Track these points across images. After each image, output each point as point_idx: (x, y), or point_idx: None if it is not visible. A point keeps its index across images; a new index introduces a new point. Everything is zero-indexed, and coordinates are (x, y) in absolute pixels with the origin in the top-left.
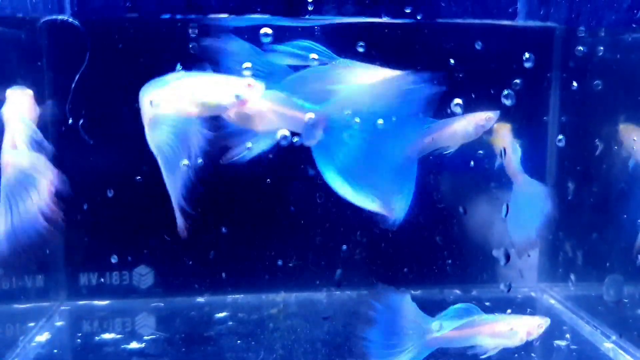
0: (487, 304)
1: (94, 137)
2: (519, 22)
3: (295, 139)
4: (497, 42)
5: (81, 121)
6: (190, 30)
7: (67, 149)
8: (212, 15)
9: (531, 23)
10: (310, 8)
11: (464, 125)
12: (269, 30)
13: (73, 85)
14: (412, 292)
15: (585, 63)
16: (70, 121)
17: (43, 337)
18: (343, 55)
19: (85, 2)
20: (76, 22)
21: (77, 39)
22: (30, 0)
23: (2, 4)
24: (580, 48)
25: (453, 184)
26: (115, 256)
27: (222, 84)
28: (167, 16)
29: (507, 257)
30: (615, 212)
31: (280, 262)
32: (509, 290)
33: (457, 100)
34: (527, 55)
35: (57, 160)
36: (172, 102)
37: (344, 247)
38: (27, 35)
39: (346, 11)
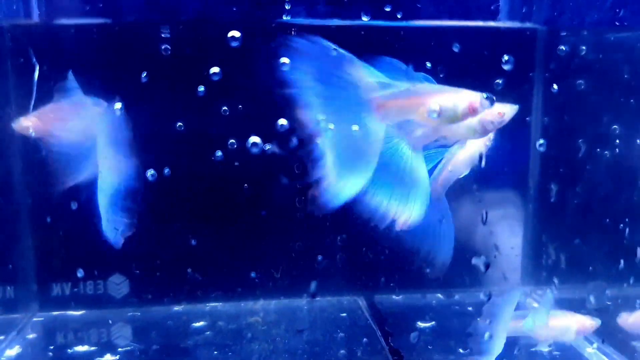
0: (470, 308)
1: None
2: (500, 22)
3: (268, 147)
4: (478, 43)
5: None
6: (162, 32)
7: (35, 155)
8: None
9: (512, 24)
10: (287, 7)
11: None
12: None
13: (34, 92)
14: (395, 297)
15: (568, 63)
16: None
17: (13, 351)
18: None
19: (52, 4)
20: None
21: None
22: None
23: None
24: (563, 48)
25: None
26: (87, 266)
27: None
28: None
29: (487, 266)
30: (599, 215)
31: (255, 272)
32: (489, 299)
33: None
34: (506, 57)
35: (26, 167)
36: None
37: (321, 256)
38: None
39: (318, 12)
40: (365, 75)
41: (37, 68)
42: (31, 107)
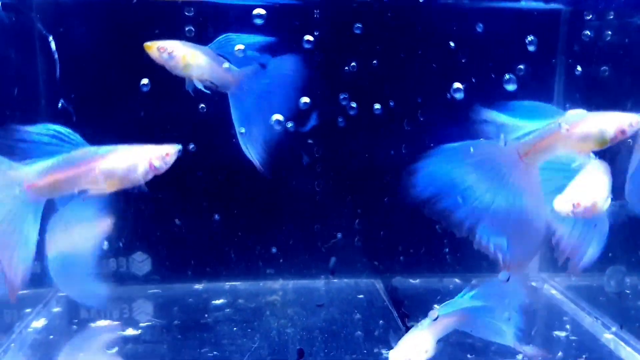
0: None
1: (88, 122)
2: (523, 3)
3: (290, 124)
4: (500, 25)
5: (60, 102)
6: (185, 11)
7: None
8: None
9: (535, 5)
10: None
11: (602, 127)
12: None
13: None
14: (412, 280)
15: (592, 46)
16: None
17: (39, 323)
18: None
19: None
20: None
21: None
22: None
23: None
24: (587, 32)
25: None
26: (112, 243)
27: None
28: None
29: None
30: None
31: (274, 249)
32: (508, 279)
33: (457, 85)
34: (530, 38)
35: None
36: None
37: (340, 235)
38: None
39: None
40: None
41: (51, 39)
42: (57, 75)
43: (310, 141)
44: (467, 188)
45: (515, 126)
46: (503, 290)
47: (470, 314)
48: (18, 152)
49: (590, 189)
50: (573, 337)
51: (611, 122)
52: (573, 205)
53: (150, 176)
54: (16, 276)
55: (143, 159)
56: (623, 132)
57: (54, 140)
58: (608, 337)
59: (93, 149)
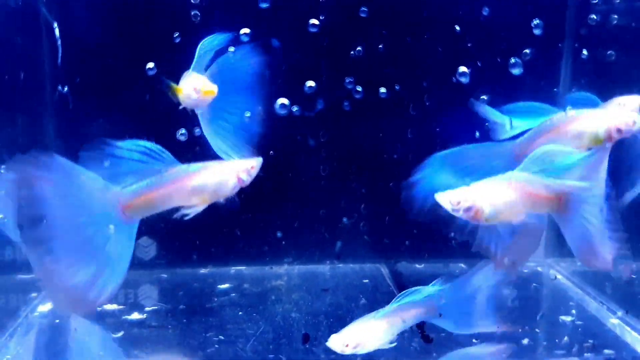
0: None
1: (96, 110)
2: None
3: (295, 108)
4: (506, 9)
5: (65, 88)
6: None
7: (67, 122)
8: None
9: None
10: None
11: (597, 125)
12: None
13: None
14: (417, 265)
15: (599, 31)
16: (65, 89)
17: (45, 308)
18: None
19: None
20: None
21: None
22: None
23: None
24: (594, 16)
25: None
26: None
27: None
28: None
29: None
30: (625, 187)
31: (279, 234)
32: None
33: (463, 69)
34: (536, 21)
35: (57, 134)
36: None
37: (347, 220)
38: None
39: None
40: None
41: (56, 25)
42: (58, 62)
43: (315, 126)
44: None
45: (507, 123)
46: (477, 280)
47: (438, 304)
48: (108, 167)
49: (484, 192)
50: (579, 322)
51: (606, 121)
52: (451, 202)
53: (237, 189)
54: (101, 294)
55: (231, 174)
56: (619, 130)
57: (144, 157)
58: (614, 322)
59: (184, 167)
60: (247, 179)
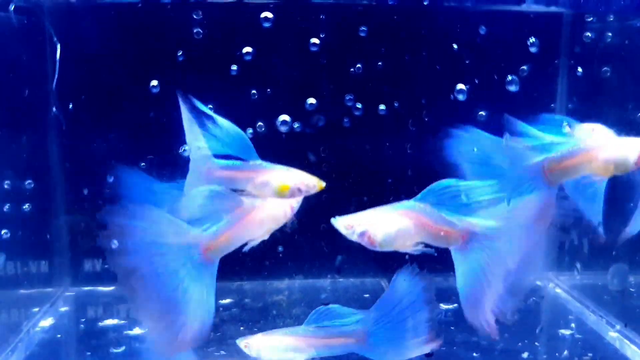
0: None
1: (99, 123)
2: (526, 6)
3: (296, 125)
4: (503, 28)
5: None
6: (194, 14)
7: (71, 134)
8: None
9: (537, 8)
10: None
11: (626, 152)
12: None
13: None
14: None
15: (593, 48)
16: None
17: (47, 322)
18: None
19: None
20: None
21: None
22: None
23: None
24: (588, 34)
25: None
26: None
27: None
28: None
29: None
30: (622, 201)
31: (280, 248)
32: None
33: (461, 86)
34: (532, 40)
35: (61, 146)
36: None
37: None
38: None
39: None
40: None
41: (59, 47)
42: (53, 86)
43: (316, 141)
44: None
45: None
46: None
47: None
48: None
49: (377, 219)
50: (578, 336)
51: (635, 148)
52: (345, 227)
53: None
54: (187, 334)
55: (287, 206)
56: None
57: (213, 201)
58: (613, 335)
59: (248, 202)
60: (298, 202)
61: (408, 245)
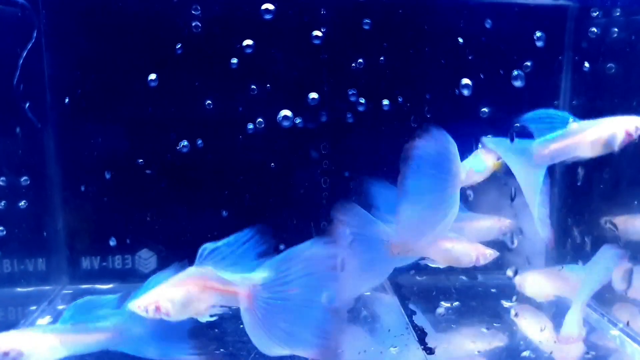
0: (493, 290)
1: (96, 119)
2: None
3: (298, 120)
4: (507, 22)
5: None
6: (192, 9)
7: (67, 131)
8: None
9: (542, 1)
10: None
11: (610, 131)
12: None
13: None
14: (418, 277)
15: (598, 43)
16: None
17: (44, 321)
18: None
19: None
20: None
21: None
22: None
23: None
24: (594, 29)
25: None
26: (117, 240)
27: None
28: None
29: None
30: (625, 198)
31: (282, 247)
32: (515, 275)
33: (465, 81)
34: (538, 34)
35: (57, 143)
36: None
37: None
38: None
39: None
40: None
41: (33, 38)
42: (15, 79)
43: (317, 138)
44: None
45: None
46: None
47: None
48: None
49: (164, 292)
50: None
51: (620, 126)
52: (139, 308)
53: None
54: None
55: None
56: (630, 135)
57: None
58: (614, 333)
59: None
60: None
61: (204, 310)
